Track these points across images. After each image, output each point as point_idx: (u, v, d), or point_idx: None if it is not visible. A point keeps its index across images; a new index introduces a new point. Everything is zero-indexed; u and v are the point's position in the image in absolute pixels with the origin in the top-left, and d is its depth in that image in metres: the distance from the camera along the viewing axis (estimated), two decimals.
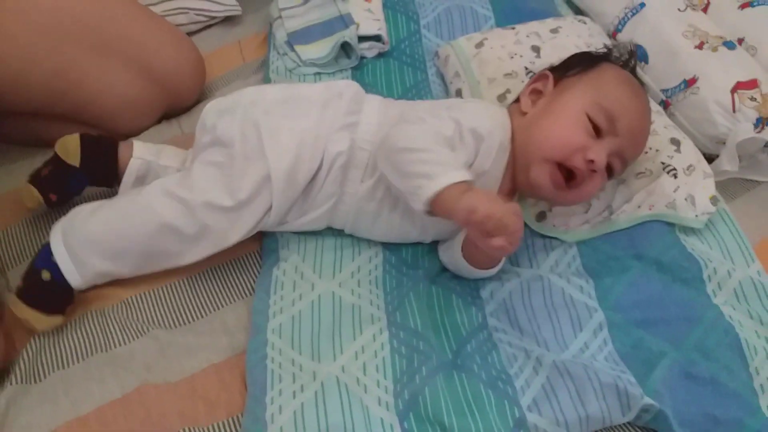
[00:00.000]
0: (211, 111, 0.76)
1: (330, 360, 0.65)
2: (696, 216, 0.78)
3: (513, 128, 0.76)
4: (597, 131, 0.72)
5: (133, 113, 0.96)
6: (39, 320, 0.68)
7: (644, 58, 1.01)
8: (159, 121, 1.01)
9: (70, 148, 0.79)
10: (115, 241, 0.69)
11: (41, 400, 0.63)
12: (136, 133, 0.98)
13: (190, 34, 1.18)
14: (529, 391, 0.63)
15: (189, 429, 0.61)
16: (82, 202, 0.80)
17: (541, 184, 0.71)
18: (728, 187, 0.90)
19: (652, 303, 0.72)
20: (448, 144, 0.68)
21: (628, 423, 0.63)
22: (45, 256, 0.69)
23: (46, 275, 0.68)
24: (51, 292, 0.69)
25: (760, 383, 0.65)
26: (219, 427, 0.62)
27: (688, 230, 0.80)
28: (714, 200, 0.79)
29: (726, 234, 0.80)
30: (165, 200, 0.69)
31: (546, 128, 0.72)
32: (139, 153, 0.81)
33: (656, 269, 0.75)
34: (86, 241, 0.69)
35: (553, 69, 0.81)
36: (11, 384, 0.64)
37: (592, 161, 0.69)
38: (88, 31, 0.89)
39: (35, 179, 0.80)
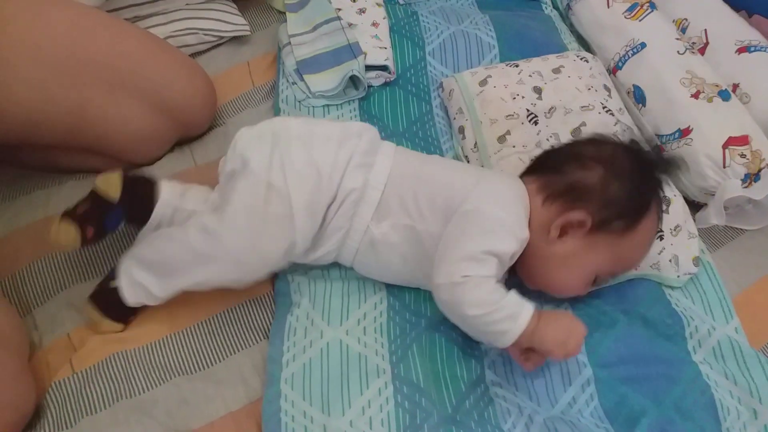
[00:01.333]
0: (240, 138, 0.80)
1: (339, 414, 0.70)
2: (678, 276, 0.84)
3: (531, 217, 0.76)
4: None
5: (147, 145, 0.99)
6: (102, 323, 0.79)
7: (642, 100, 1.04)
8: (172, 149, 1.04)
9: (112, 182, 0.82)
10: (157, 259, 0.77)
11: None
12: (149, 162, 1.01)
13: (199, 53, 1.20)
14: None
15: None
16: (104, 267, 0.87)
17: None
18: (714, 235, 0.95)
19: (636, 359, 0.78)
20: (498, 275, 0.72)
21: None
22: (114, 273, 0.79)
23: (113, 284, 0.78)
24: (114, 301, 0.78)
25: None
26: None
27: (676, 286, 0.85)
28: (696, 261, 0.84)
29: (708, 288, 0.86)
30: (198, 234, 0.75)
31: (557, 278, 0.77)
32: (166, 197, 0.84)
33: (641, 324, 0.81)
34: (135, 257, 0.78)
35: (598, 207, 0.74)
36: (45, 431, 0.70)
37: None
38: (103, 68, 0.91)
39: (70, 216, 0.80)
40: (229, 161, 0.79)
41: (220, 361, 0.78)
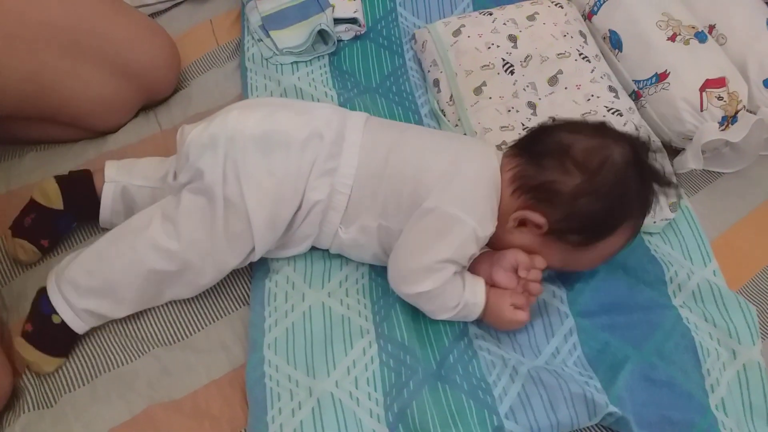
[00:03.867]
0: (192, 143, 0.73)
1: (324, 376, 0.70)
2: (654, 222, 0.83)
3: (502, 188, 0.75)
4: None
5: (110, 111, 0.95)
6: (48, 362, 0.71)
7: (618, 45, 1.02)
8: (136, 114, 1.00)
9: (50, 194, 0.79)
10: (105, 284, 0.72)
11: (54, 425, 0.67)
12: (114, 129, 0.97)
13: (158, 14, 1.14)
14: (506, 399, 0.70)
15: None
16: (74, 237, 0.84)
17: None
18: (691, 179, 0.95)
19: (617, 306, 0.78)
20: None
21: (594, 424, 0.71)
22: (47, 302, 0.71)
23: (57, 319, 0.71)
24: (58, 336, 0.72)
25: (710, 383, 0.73)
26: None
27: (654, 232, 0.85)
28: (673, 206, 0.84)
29: (687, 233, 0.86)
30: (154, 254, 0.71)
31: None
32: (111, 175, 0.80)
33: (622, 272, 0.81)
34: (77, 287, 0.71)
35: (560, 217, 0.71)
36: (24, 412, 0.68)
37: None
38: (58, 32, 0.86)
39: (20, 230, 0.79)
40: (183, 173, 0.74)
41: (199, 331, 0.76)
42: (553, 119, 0.79)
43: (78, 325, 0.72)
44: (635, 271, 0.81)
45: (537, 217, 0.72)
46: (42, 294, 0.72)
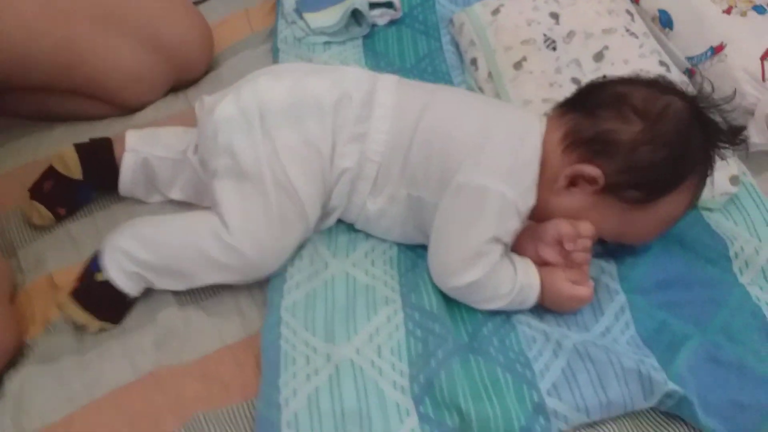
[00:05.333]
0: (221, 118, 0.68)
1: (344, 341, 0.63)
2: (713, 197, 0.75)
3: (545, 150, 0.68)
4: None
5: (141, 86, 0.94)
6: (91, 325, 0.66)
7: (668, 23, 0.96)
8: (166, 94, 0.98)
9: (69, 163, 0.76)
10: (157, 255, 0.67)
11: (56, 383, 0.62)
12: (143, 105, 0.95)
13: (197, 3, 1.14)
14: (548, 374, 0.62)
15: (204, 414, 0.60)
16: (93, 205, 0.81)
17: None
18: (756, 159, 0.86)
19: (675, 283, 0.70)
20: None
21: (651, 408, 0.62)
22: (98, 259, 0.67)
23: (100, 276, 0.66)
24: (108, 297, 0.66)
25: None
26: (235, 411, 0.61)
27: (713, 207, 0.77)
28: (734, 180, 0.76)
29: (753, 210, 0.78)
30: (215, 243, 0.66)
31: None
32: (132, 144, 0.77)
33: (679, 248, 0.73)
34: (128, 251, 0.66)
35: (613, 171, 0.64)
36: (25, 366, 0.64)
37: None
38: (94, 3, 0.86)
39: (39, 195, 0.77)
40: (213, 156, 0.69)
41: (215, 295, 0.71)
42: (604, 76, 0.72)
43: (125, 284, 0.66)
44: (694, 247, 0.73)
45: (592, 170, 0.64)
46: (94, 254, 0.68)
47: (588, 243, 0.66)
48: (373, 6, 1.04)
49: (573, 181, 0.66)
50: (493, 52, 0.95)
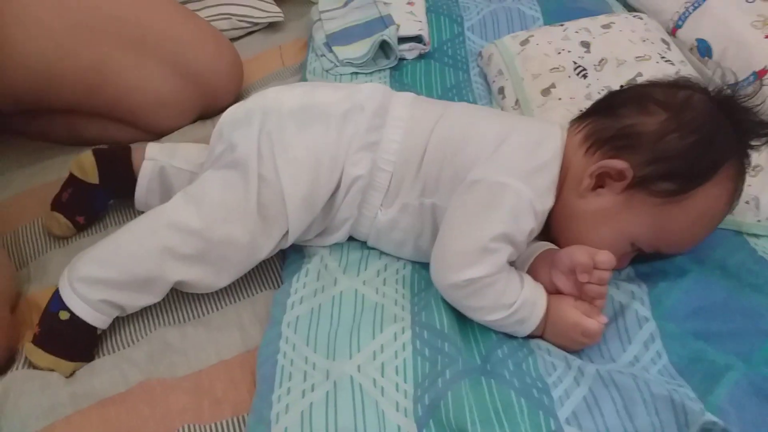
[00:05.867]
0: (227, 118, 0.70)
1: (345, 358, 0.59)
2: (759, 221, 0.69)
3: (566, 155, 0.65)
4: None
5: (168, 110, 0.95)
6: (61, 366, 0.62)
7: (707, 52, 0.93)
8: (194, 121, 1.00)
9: (86, 166, 0.77)
10: (117, 268, 0.63)
11: (42, 390, 0.60)
12: (170, 131, 0.96)
13: (232, 40, 1.17)
14: (568, 402, 0.56)
15: (190, 427, 0.56)
16: (109, 218, 0.80)
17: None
18: None
19: (714, 312, 0.63)
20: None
21: None
22: (58, 299, 0.63)
23: (64, 315, 0.62)
24: (69, 334, 0.62)
25: None
26: (222, 426, 0.57)
27: (760, 233, 0.70)
28: None
29: None
30: (171, 233, 0.63)
31: (583, 239, 0.62)
32: (152, 154, 0.77)
33: (720, 275, 0.66)
34: (88, 278, 0.62)
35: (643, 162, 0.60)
36: (12, 371, 0.62)
37: None
38: (125, 26, 0.89)
39: (58, 204, 0.78)
40: (216, 146, 0.69)
41: (216, 310, 0.68)
42: (622, 86, 0.69)
43: (93, 317, 0.62)
44: (737, 273, 0.66)
45: (618, 163, 0.60)
46: (54, 293, 0.63)
47: (605, 276, 0.60)
48: (402, 41, 1.04)
49: (599, 182, 0.62)
50: (521, 79, 0.92)
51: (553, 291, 0.62)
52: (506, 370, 0.58)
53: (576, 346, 0.61)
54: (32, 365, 0.62)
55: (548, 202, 0.62)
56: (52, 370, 0.62)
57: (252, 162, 0.65)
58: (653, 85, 0.65)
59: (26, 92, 0.87)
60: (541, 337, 0.62)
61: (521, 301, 0.60)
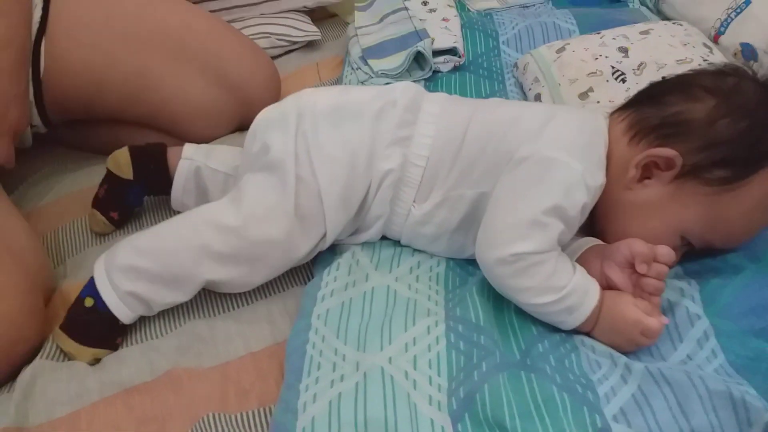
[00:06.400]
0: (261, 119, 0.70)
1: (376, 350, 0.56)
2: None
3: (610, 144, 0.62)
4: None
5: (207, 120, 0.97)
6: (82, 353, 0.62)
7: (752, 56, 0.90)
8: (232, 132, 1.01)
9: (121, 162, 0.78)
10: (154, 259, 0.62)
11: (69, 378, 0.59)
12: (208, 140, 0.97)
13: (272, 58, 1.20)
14: (615, 399, 0.52)
15: (215, 415, 0.54)
16: (145, 217, 0.81)
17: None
18: None
19: None
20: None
21: None
22: (90, 284, 0.63)
23: (89, 302, 0.62)
24: (96, 323, 0.62)
25: None
26: (248, 416, 0.55)
27: None
28: None
29: None
30: (210, 230, 0.63)
31: (631, 232, 0.60)
32: (188, 154, 0.78)
33: None
34: (123, 266, 0.62)
35: (694, 149, 0.58)
36: (41, 358, 0.61)
37: None
38: (169, 38, 0.92)
39: (95, 201, 0.79)
40: (250, 147, 0.69)
41: (247, 305, 0.67)
42: (663, 77, 0.67)
43: (117, 307, 0.62)
44: None
45: (667, 151, 0.57)
46: (88, 281, 0.64)
47: (664, 270, 0.57)
48: (436, 54, 1.04)
49: (646, 172, 0.59)
50: (558, 85, 0.91)
51: (604, 286, 0.59)
52: (547, 365, 0.55)
53: (630, 347, 0.57)
54: (60, 350, 0.62)
55: (599, 178, 0.60)
56: (74, 355, 0.62)
57: (289, 163, 0.64)
58: (698, 72, 0.63)
59: (74, 99, 0.89)
60: (587, 334, 0.59)
61: (573, 286, 0.56)
